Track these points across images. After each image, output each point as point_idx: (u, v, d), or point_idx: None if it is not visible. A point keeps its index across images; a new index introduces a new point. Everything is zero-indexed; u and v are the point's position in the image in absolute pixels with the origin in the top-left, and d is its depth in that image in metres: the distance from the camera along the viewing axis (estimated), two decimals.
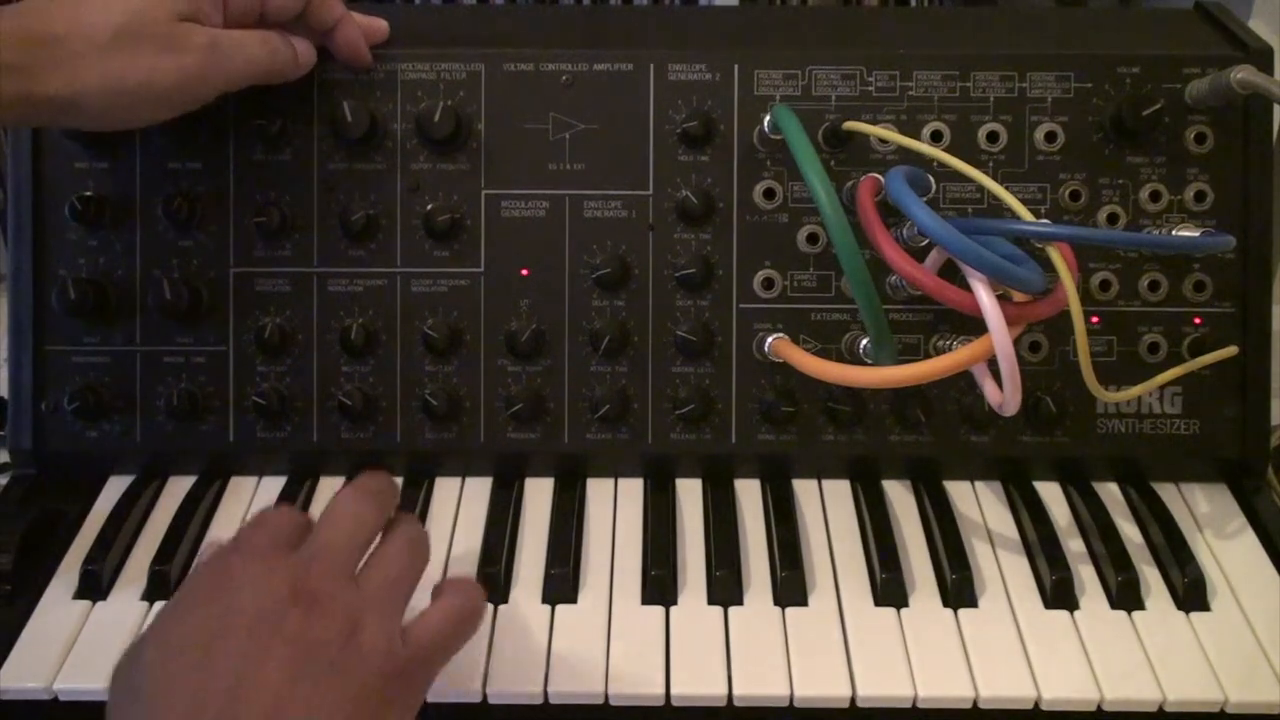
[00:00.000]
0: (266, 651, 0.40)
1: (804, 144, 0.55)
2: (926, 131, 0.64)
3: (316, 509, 0.63)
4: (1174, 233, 0.62)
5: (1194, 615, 0.57)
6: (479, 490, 0.65)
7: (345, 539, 0.46)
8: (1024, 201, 0.59)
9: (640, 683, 0.54)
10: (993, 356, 0.53)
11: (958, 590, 0.58)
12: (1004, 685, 0.54)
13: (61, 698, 0.54)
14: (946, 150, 0.61)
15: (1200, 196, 0.64)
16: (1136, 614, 0.57)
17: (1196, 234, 0.61)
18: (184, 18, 0.55)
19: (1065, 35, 0.69)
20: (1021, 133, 0.64)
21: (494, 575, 0.58)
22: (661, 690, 0.53)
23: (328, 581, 0.44)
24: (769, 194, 0.64)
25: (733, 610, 0.57)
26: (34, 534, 0.61)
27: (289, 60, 0.60)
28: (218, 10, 0.57)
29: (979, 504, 0.64)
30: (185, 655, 0.41)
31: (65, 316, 0.63)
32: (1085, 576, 0.59)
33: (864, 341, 0.62)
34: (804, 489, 0.65)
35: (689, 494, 0.65)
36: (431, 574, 0.59)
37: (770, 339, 0.63)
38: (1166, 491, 0.65)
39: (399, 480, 0.65)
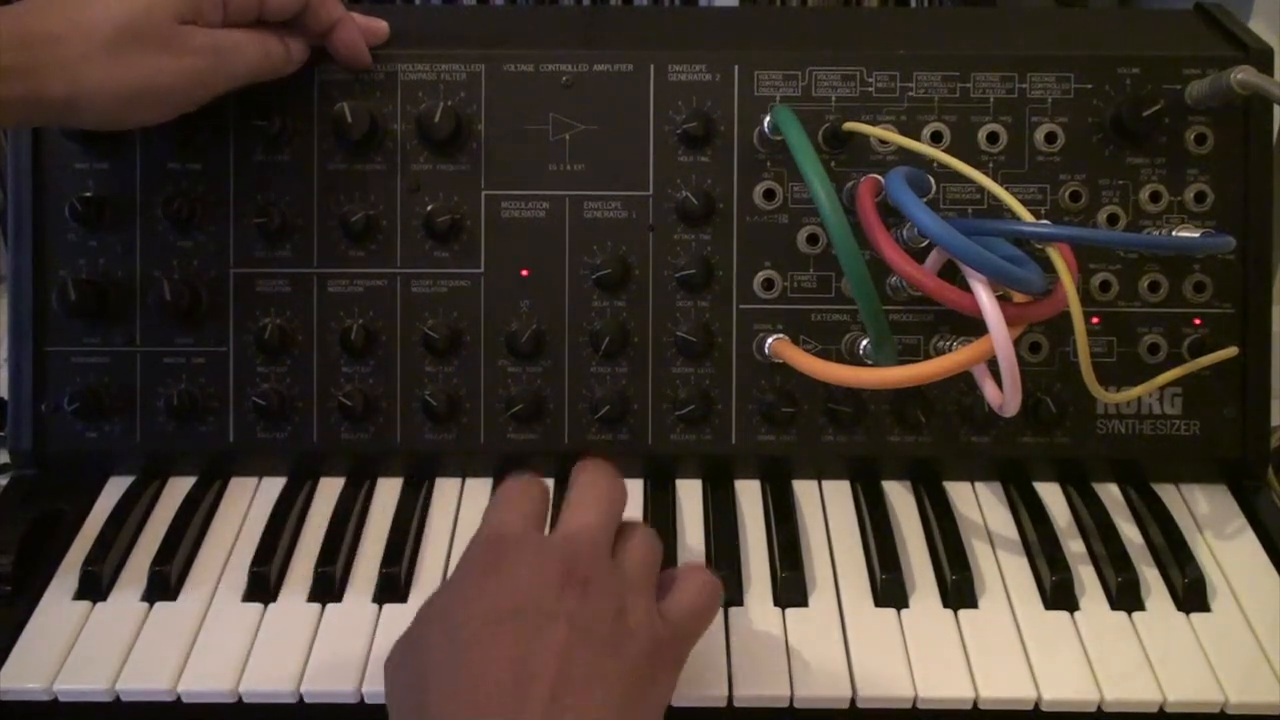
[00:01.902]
0: (546, 632, 0.43)
1: (804, 145, 0.55)
2: (926, 132, 0.64)
3: (317, 509, 0.63)
4: (1174, 233, 0.62)
5: (1194, 616, 0.57)
6: (479, 491, 0.65)
7: (604, 522, 0.49)
8: (1024, 202, 0.59)
9: None
10: (993, 357, 0.53)
11: (958, 591, 0.58)
12: (1004, 686, 0.54)
13: (61, 698, 0.54)
14: (946, 151, 0.61)
15: (1200, 197, 0.64)
16: (1136, 615, 0.57)
17: (1196, 235, 0.61)
18: (184, 20, 0.55)
19: (1065, 36, 0.69)
20: (1021, 133, 0.64)
21: None
22: None
23: (595, 565, 0.46)
24: (769, 195, 0.64)
25: (733, 610, 0.57)
26: (34, 534, 0.61)
27: (283, 59, 0.61)
28: (217, 10, 0.57)
29: (979, 504, 0.64)
30: (468, 638, 0.43)
31: (65, 317, 0.63)
32: (1085, 577, 0.59)
33: (864, 342, 0.62)
34: (804, 489, 0.65)
35: (689, 494, 0.65)
36: (435, 573, 0.60)
37: (770, 340, 0.63)
38: (1166, 492, 0.65)
39: (399, 481, 0.65)
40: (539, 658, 0.42)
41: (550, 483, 0.65)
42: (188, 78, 0.56)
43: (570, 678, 0.42)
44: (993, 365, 0.54)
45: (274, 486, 0.65)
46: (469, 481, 0.66)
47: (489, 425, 0.64)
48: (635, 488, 0.65)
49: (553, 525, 0.50)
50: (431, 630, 0.45)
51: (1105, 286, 0.64)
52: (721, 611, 0.57)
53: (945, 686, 0.54)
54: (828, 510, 0.64)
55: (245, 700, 0.54)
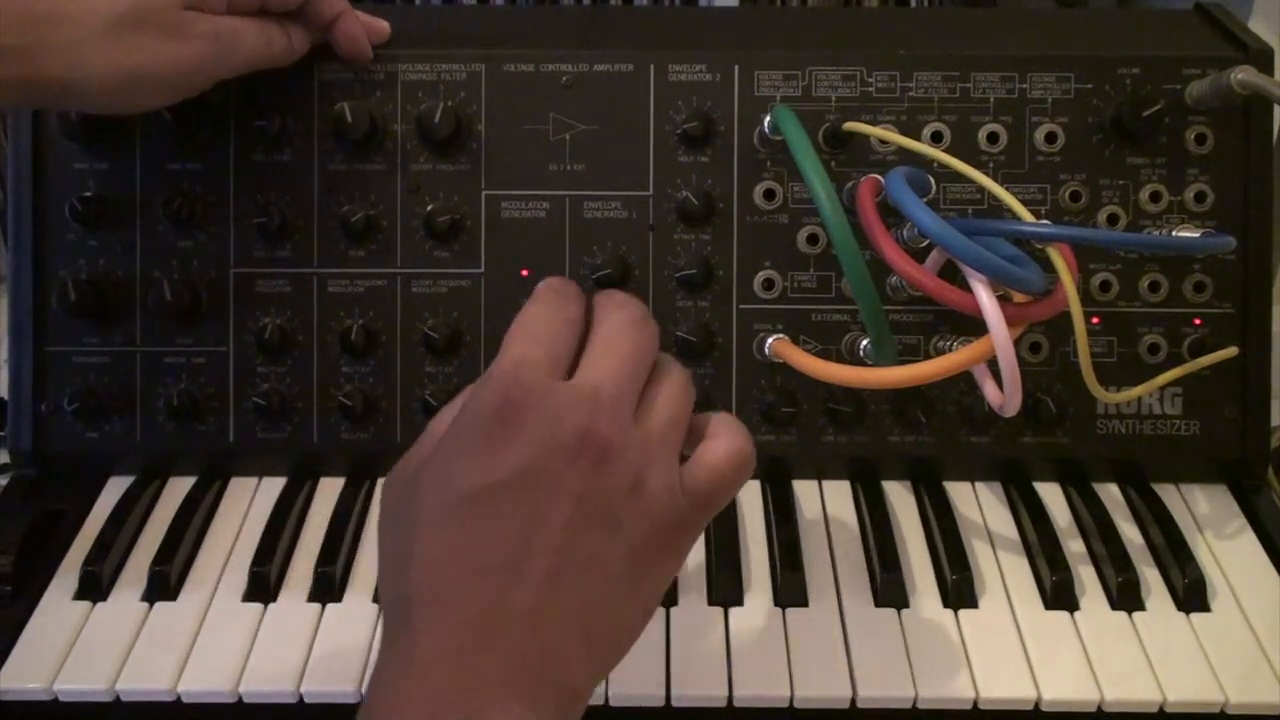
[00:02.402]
0: (551, 507, 0.39)
1: (804, 145, 0.55)
2: (927, 132, 0.64)
3: (317, 509, 0.63)
4: (1174, 233, 0.62)
5: (1194, 616, 0.57)
6: None
7: (630, 374, 0.43)
8: (1024, 202, 0.59)
9: (640, 683, 0.54)
10: (993, 357, 0.53)
11: (958, 591, 0.58)
12: (1004, 686, 0.54)
13: (61, 698, 0.54)
14: (947, 151, 0.61)
15: (1200, 197, 0.64)
16: (1137, 615, 0.57)
17: (1196, 235, 0.61)
18: (188, 5, 0.55)
19: (1065, 36, 0.69)
20: (1022, 133, 0.64)
21: None
22: (661, 691, 0.53)
23: (615, 428, 0.41)
24: (769, 195, 0.64)
25: (733, 611, 0.57)
26: (34, 535, 0.61)
27: (284, 48, 0.60)
28: (220, 1, 0.56)
29: (979, 504, 0.64)
30: (467, 498, 0.40)
31: (65, 317, 0.63)
32: (1085, 577, 0.59)
33: (864, 342, 0.62)
34: (804, 489, 0.65)
35: None
36: None
37: (770, 340, 0.63)
38: (1166, 492, 0.65)
39: None
40: (540, 534, 0.39)
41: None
42: (189, 63, 0.55)
43: (572, 558, 0.39)
44: (993, 365, 0.54)
45: (274, 486, 0.65)
46: None
47: None
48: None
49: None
50: (425, 482, 0.41)
51: (1105, 286, 0.64)
52: (721, 611, 0.57)
53: (945, 686, 0.54)
54: (828, 510, 0.64)
55: (245, 700, 0.54)
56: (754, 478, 0.65)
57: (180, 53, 0.55)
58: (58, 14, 0.52)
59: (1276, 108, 0.64)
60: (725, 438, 0.44)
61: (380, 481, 0.65)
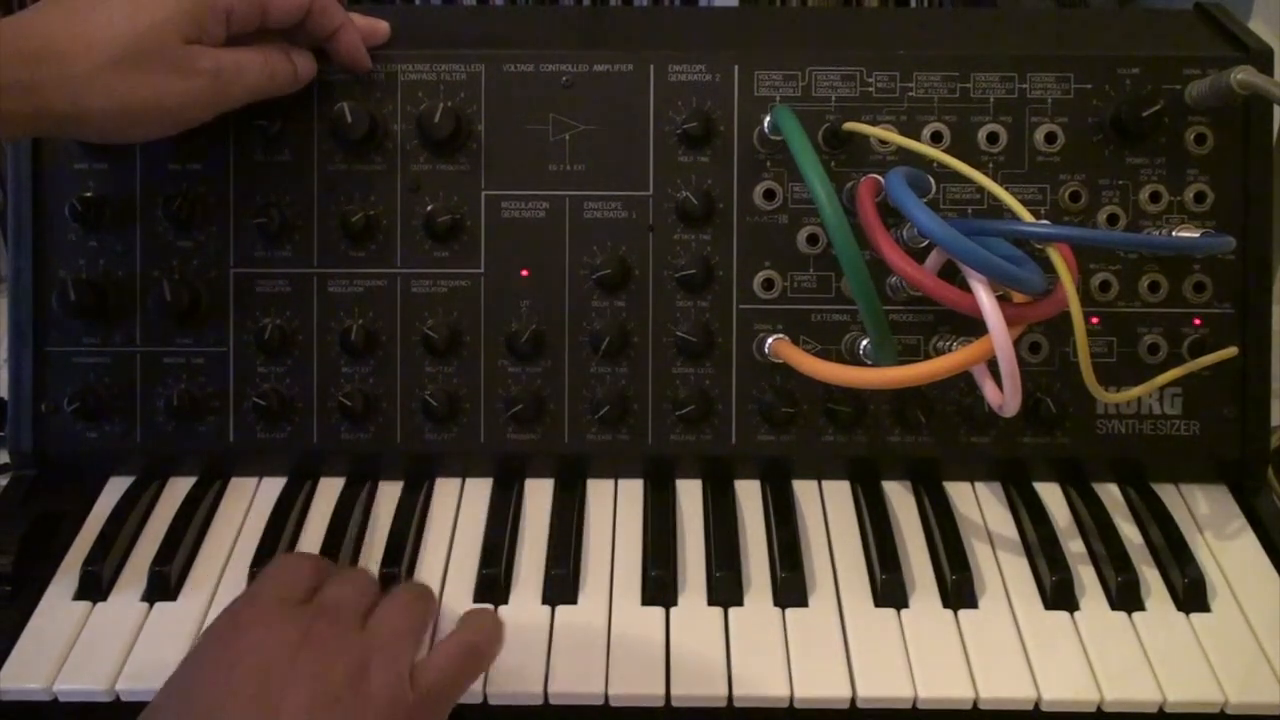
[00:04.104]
0: (279, 696, 0.43)
1: (804, 145, 0.55)
2: (926, 132, 0.64)
3: (317, 509, 0.63)
4: (1174, 234, 0.62)
5: (1194, 616, 0.57)
6: (479, 491, 0.65)
7: (352, 593, 0.49)
8: (1024, 202, 0.59)
9: (640, 683, 0.54)
10: (993, 357, 0.53)
11: (958, 591, 0.58)
12: (1004, 686, 0.54)
13: (61, 698, 0.54)
14: (946, 151, 0.61)
15: (1200, 197, 0.64)
16: (1136, 615, 0.57)
17: (1196, 235, 0.61)
18: (189, 39, 0.55)
19: (1065, 36, 0.69)
20: (1021, 134, 0.64)
21: (494, 576, 0.58)
22: (662, 691, 0.53)
23: (335, 629, 0.46)
24: (769, 195, 0.64)
25: (733, 611, 0.57)
26: (34, 535, 0.61)
27: (289, 78, 0.61)
28: (220, 26, 0.56)
29: (979, 505, 0.64)
30: (202, 708, 0.43)
31: (65, 317, 0.63)
32: (1085, 577, 0.59)
33: (864, 342, 0.62)
34: (804, 490, 0.65)
35: (689, 494, 0.65)
36: (435, 572, 0.60)
37: (770, 340, 0.63)
38: (1166, 492, 0.65)
39: (399, 481, 0.65)
40: (284, 711, 0.42)
41: (540, 483, 0.65)
42: (190, 98, 0.56)
43: None
44: (993, 365, 0.54)
45: (274, 486, 0.65)
46: (469, 481, 0.66)
47: (489, 425, 0.64)
48: (635, 488, 0.65)
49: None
50: (169, 701, 0.45)
51: (1105, 286, 0.64)
52: (721, 611, 0.57)
53: (945, 686, 0.54)
54: (828, 510, 0.64)
55: None
56: (754, 478, 0.66)
57: (182, 88, 0.55)
58: (61, 50, 0.52)
59: (1276, 108, 0.64)
60: (457, 634, 0.50)
61: (380, 481, 0.66)
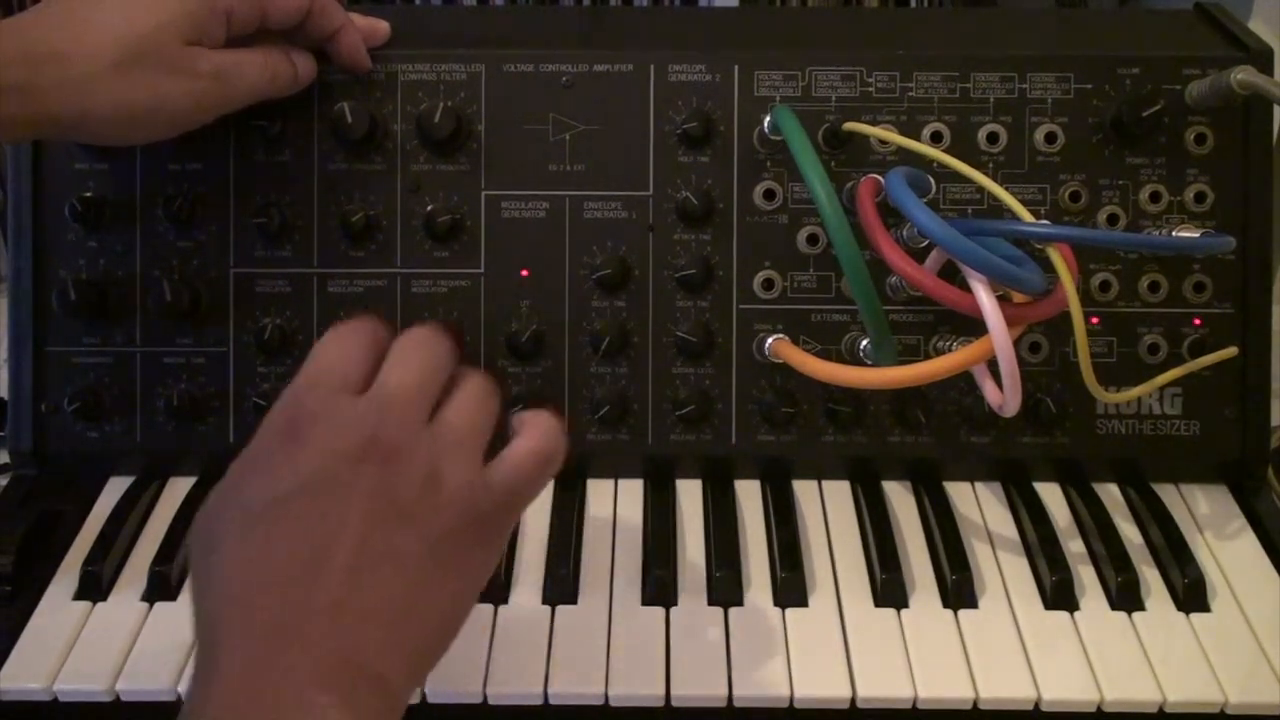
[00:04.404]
0: (341, 508, 0.40)
1: (804, 145, 0.55)
2: (926, 132, 0.64)
3: None
4: (1174, 234, 0.62)
5: (1194, 616, 0.57)
6: None
7: (417, 382, 0.45)
8: (1024, 202, 0.59)
9: (640, 683, 0.54)
10: (993, 357, 0.53)
11: (958, 591, 0.58)
12: (1004, 686, 0.54)
13: (61, 698, 0.54)
14: (946, 151, 0.61)
15: (1200, 197, 0.64)
16: (1136, 615, 0.57)
17: (1196, 235, 0.61)
18: (190, 41, 0.55)
19: (1065, 36, 0.69)
20: (1021, 134, 0.64)
21: (494, 576, 0.58)
22: (662, 691, 0.53)
23: (403, 431, 0.43)
24: (769, 195, 0.64)
25: (733, 611, 0.57)
26: (34, 535, 0.61)
27: (289, 79, 0.61)
28: (221, 28, 0.56)
29: (979, 504, 0.64)
30: (258, 516, 0.41)
31: (65, 317, 0.63)
32: (1085, 577, 0.59)
33: (864, 342, 0.62)
34: (804, 489, 0.65)
35: (689, 494, 0.65)
36: None
37: (770, 340, 0.63)
38: (1166, 492, 0.65)
39: None
40: (334, 535, 0.40)
41: (549, 484, 0.65)
42: (191, 100, 0.56)
43: (368, 553, 0.40)
44: (993, 365, 0.54)
45: None
46: None
47: None
48: (635, 488, 0.65)
49: None
50: (225, 505, 0.42)
51: (1105, 286, 0.64)
52: (721, 611, 0.57)
53: (945, 686, 0.54)
54: (828, 510, 0.64)
55: None
56: (754, 478, 0.66)
57: (183, 90, 0.55)
58: (62, 53, 0.52)
59: (1276, 108, 0.64)
60: (528, 437, 0.46)
61: None
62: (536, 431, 0.46)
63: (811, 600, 0.58)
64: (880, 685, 0.54)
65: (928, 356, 0.63)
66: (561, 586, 0.58)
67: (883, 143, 0.63)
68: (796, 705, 0.53)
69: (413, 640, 0.41)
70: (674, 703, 0.53)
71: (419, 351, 0.46)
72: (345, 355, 0.46)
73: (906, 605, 0.58)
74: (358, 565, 0.39)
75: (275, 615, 0.39)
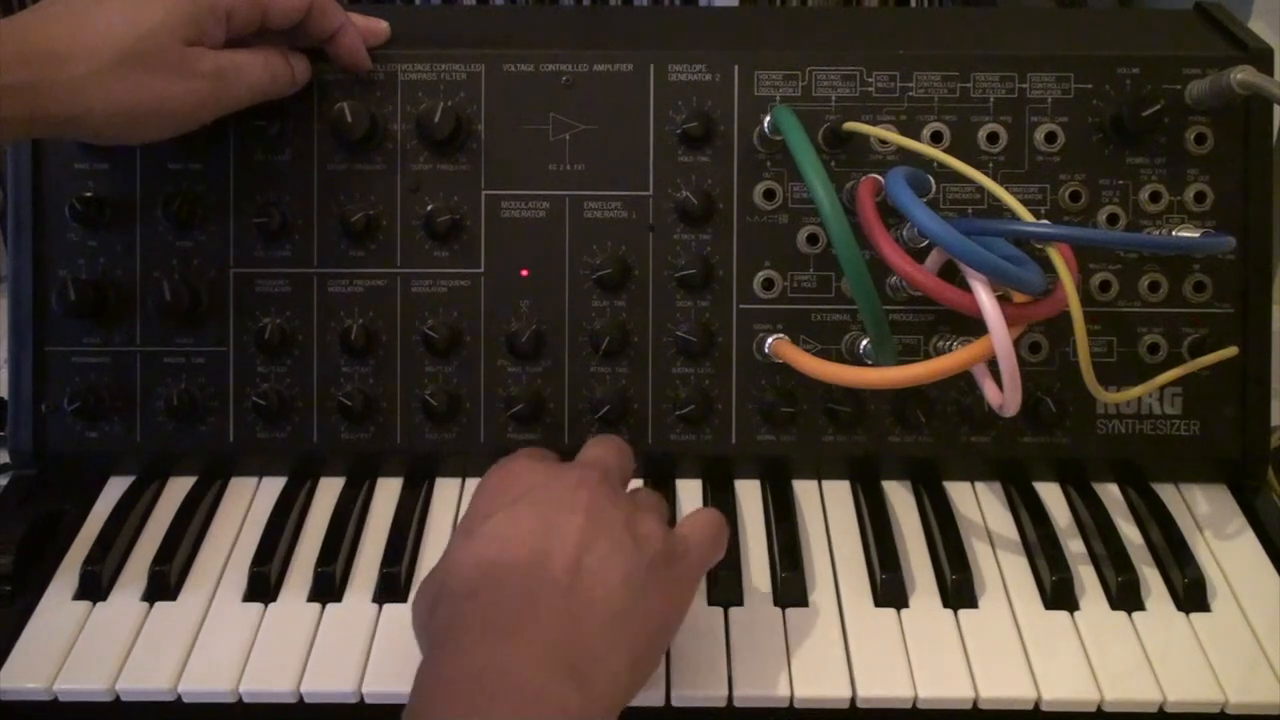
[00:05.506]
0: (564, 518, 0.46)
1: (804, 145, 0.55)
2: (926, 132, 0.64)
3: (317, 509, 0.63)
4: (1174, 233, 0.62)
5: (1194, 616, 0.57)
6: None
7: (615, 459, 0.53)
8: (1024, 202, 0.59)
9: None
10: (993, 357, 0.53)
11: (958, 590, 0.58)
12: (1004, 685, 0.54)
13: (61, 698, 0.54)
14: (946, 151, 0.61)
15: (1200, 197, 0.64)
16: (1136, 614, 0.57)
17: (1196, 235, 0.61)
18: (190, 42, 0.55)
19: (1065, 35, 0.69)
20: (1021, 133, 0.64)
21: None
22: (662, 691, 0.53)
23: (606, 484, 0.49)
24: (769, 195, 0.64)
25: (733, 610, 0.57)
26: (34, 535, 0.61)
27: (287, 80, 0.61)
28: (220, 28, 0.56)
29: (979, 504, 0.64)
30: (490, 530, 0.46)
31: (65, 317, 0.63)
32: (1085, 577, 0.59)
33: (864, 342, 0.62)
34: (804, 489, 0.65)
35: (689, 494, 0.65)
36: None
37: (770, 339, 0.63)
38: (1166, 492, 0.65)
39: (398, 481, 0.65)
40: (558, 536, 0.45)
41: None
42: (191, 101, 0.56)
43: (588, 558, 0.45)
44: (993, 365, 0.54)
45: (274, 486, 0.65)
46: (469, 481, 0.66)
47: (489, 425, 0.64)
48: (635, 488, 0.65)
49: None
50: (453, 542, 0.48)
51: (1105, 286, 0.64)
52: (721, 611, 0.57)
53: (945, 686, 0.54)
54: (828, 510, 0.64)
55: (245, 700, 0.54)
56: (754, 477, 0.66)
57: (183, 90, 0.55)
58: (61, 52, 0.52)
59: (1276, 108, 0.64)
60: (703, 513, 0.52)
61: (380, 480, 0.66)
62: (705, 511, 0.53)
63: (811, 600, 0.58)
64: (880, 685, 0.54)
65: (928, 356, 0.63)
66: None
67: (883, 143, 0.63)
68: (796, 705, 0.53)
69: (630, 639, 0.45)
70: (674, 702, 0.53)
71: (611, 443, 0.55)
72: (539, 451, 0.55)
73: (906, 605, 0.58)
74: (579, 564, 0.45)
75: (509, 604, 0.43)
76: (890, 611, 0.57)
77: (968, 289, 0.54)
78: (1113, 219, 0.64)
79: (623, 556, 0.46)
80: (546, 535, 0.45)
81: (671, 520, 0.62)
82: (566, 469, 0.50)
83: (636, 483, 0.65)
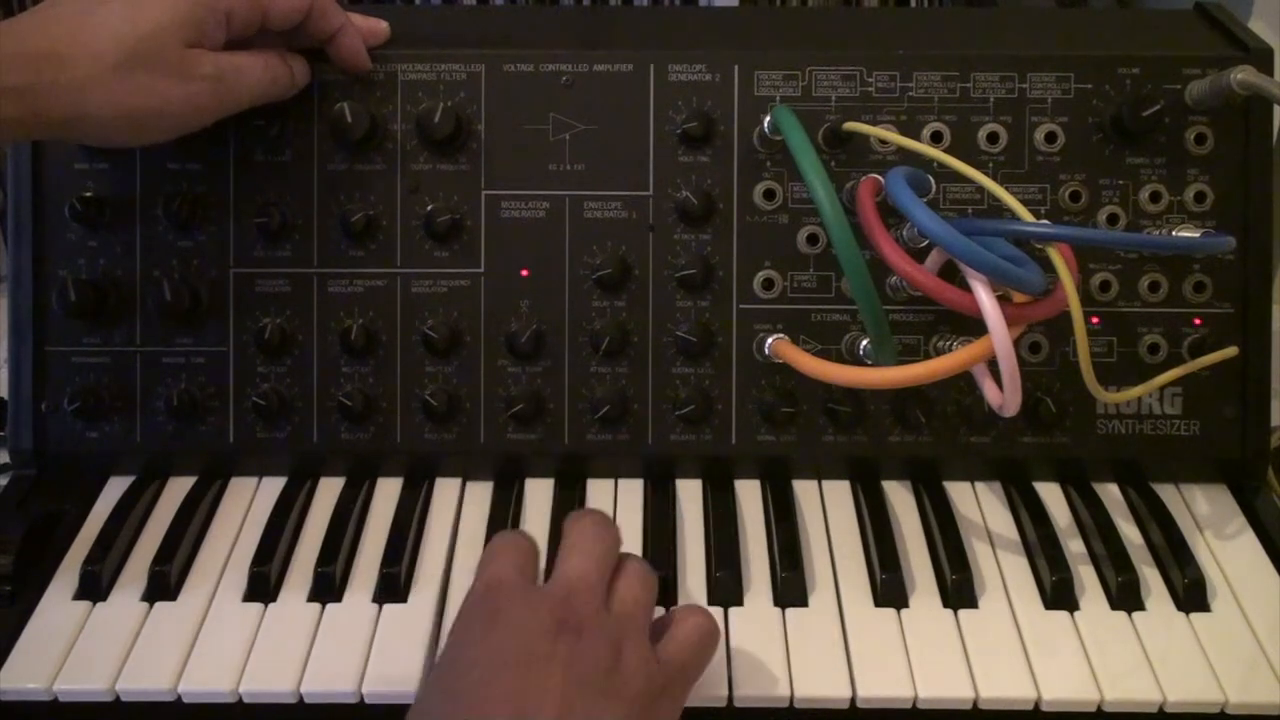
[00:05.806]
0: (543, 677, 0.44)
1: (804, 145, 0.55)
2: (926, 132, 0.64)
3: (317, 509, 0.63)
4: (1174, 233, 0.62)
5: (1194, 616, 0.57)
6: (479, 491, 0.65)
7: (595, 566, 0.49)
8: (1024, 202, 0.59)
9: None
10: (993, 357, 0.53)
11: (958, 591, 0.58)
12: (1004, 686, 0.54)
13: (61, 698, 0.54)
14: (946, 151, 0.61)
15: (1200, 197, 0.64)
16: (1136, 614, 0.57)
17: (1196, 235, 0.62)
18: (190, 44, 0.55)
19: (1065, 35, 0.69)
20: (1021, 133, 0.64)
21: None
22: None
23: (587, 611, 0.47)
24: (769, 195, 0.64)
25: (733, 611, 0.57)
26: (34, 535, 0.61)
27: (288, 83, 0.61)
28: (221, 29, 0.56)
29: (979, 504, 0.64)
30: (467, 687, 0.44)
31: (65, 317, 0.63)
32: (1085, 577, 0.59)
33: (864, 342, 0.62)
34: (804, 489, 0.65)
35: (689, 494, 0.65)
36: (435, 573, 0.60)
37: (770, 340, 0.63)
38: (1166, 492, 0.65)
39: (399, 481, 0.65)
40: (537, 702, 0.43)
41: (540, 483, 0.65)
42: (191, 103, 0.56)
43: (572, 717, 0.43)
44: (993, 365, 0.54)
45: (274, 486, 0.65)
46: (469, 482, 0.66)
47: (489, 425, 0.64)
48: (635, 488, 0.65)
49: (548, 575, 0.50)
50: (434, 686, 0.46)
51: (1105, 286, 0.64)
52: (721, 611, 0.57)
53: (945, 686, 0.54)
54: (828, 510, 0.64)
55: (245, 700, 0.54)
56: (754, 477, 0.66)
57: (183, 93, 0.55)
58: (61, 54, 0.51)
59: (1276, 108, 0.64)
60: (691, 617, 0.50)
61: (380, 480, 0.66)
62: (695, 612, 0.50)
63: (811, 600, 0.58)
64: (880, 685, 0.54)
65: (928, 356, 0.63)
66: None
67: (883, 143, 0.63)
68: (796, 705, 0.53)
69: None
70: None
71: (594, 540, 0.50)
72: (519, 548, 0.50)
73: (906, 605, 0.58)
74: None
75: None
76: (890, 611, 0.57)
77: (968, 289, 0.54)
78: (1113, 219, 0.64)
79: (604, 712, 0.44)
80: (524, 697, 0.43)
81: (672, 520, 0.62)
82: (543, 602, 0.47)
83: (636, 498, 0.65)
